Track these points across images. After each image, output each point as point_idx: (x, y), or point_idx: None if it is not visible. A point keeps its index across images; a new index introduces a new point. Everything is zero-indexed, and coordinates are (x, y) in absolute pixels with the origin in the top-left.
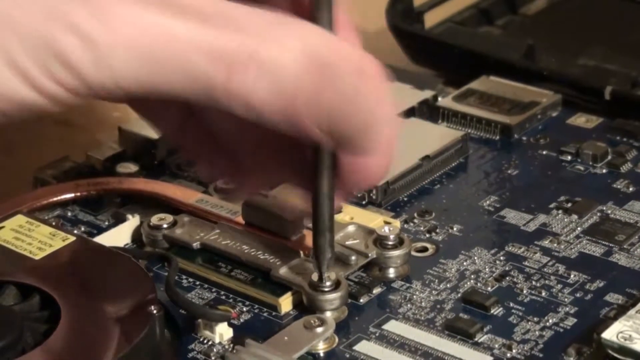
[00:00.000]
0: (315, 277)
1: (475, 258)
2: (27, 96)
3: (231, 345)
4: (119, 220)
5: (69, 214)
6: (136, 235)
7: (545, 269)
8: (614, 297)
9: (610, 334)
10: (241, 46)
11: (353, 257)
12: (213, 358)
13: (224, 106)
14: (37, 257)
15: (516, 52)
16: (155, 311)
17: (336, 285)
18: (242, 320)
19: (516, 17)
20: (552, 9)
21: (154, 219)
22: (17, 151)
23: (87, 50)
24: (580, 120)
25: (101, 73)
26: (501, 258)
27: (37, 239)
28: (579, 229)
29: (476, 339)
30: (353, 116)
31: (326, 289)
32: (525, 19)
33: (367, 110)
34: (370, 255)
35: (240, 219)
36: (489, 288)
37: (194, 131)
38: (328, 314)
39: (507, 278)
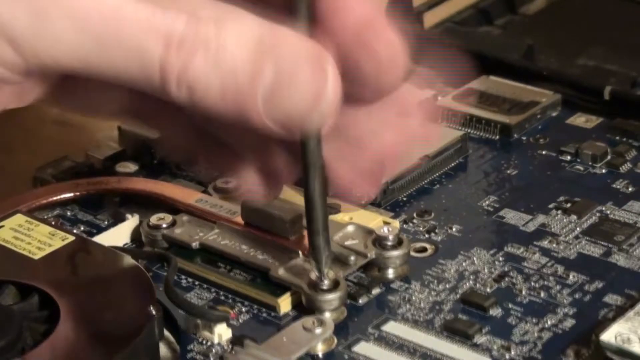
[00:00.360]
0: (313, 276)
1: (475, 258)
2: None
3: (230, 345)
4: (119, 219)
5: (69, 213)
6: (135, 235)
7: (544, 270)
8: (612, 299)
9: (608, 335)
10: (182, 24)
11: (352, 258)
12: (212, 358)
13: (159, 90)
14: (36, 257)
15: (516, 52)
16: (154, 311)
17: (335, 286)
18: (241, 320)
19: (516, 17)
20: (552, 9)
21: (153, 219)
22: (17, 151)
23: (31, 18)
24: (580, 120)
25: (40, 44)
26: (500, 258)
27: (36, 238)
28: (578, 229)
29: (475, 340)
30: (292, 98)
31: (325, 289)
32: (525, 19)
33: (307, 90)
34: (369, 255)
35: (239, 219)
36: (488, 289)
37: (190, 130)
38: (327, 314)
39: (506, 279)
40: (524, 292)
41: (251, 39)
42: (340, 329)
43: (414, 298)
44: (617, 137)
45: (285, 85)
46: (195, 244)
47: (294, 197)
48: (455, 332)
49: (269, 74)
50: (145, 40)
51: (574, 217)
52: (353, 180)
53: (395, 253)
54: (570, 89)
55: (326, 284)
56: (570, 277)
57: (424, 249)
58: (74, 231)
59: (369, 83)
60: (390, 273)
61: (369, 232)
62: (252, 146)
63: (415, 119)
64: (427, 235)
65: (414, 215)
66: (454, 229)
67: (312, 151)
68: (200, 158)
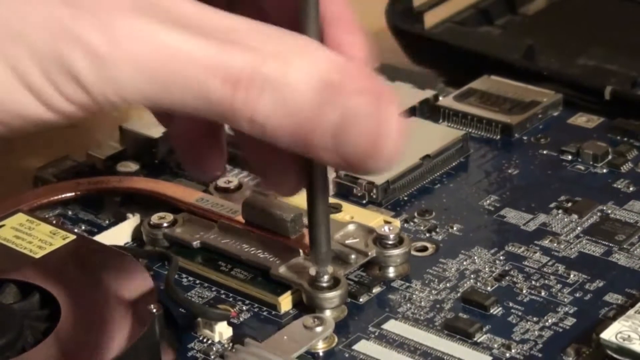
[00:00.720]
0: (313, 272)
1: (475, 258)
2: (35, 111)
3: (231, 344)
4: (120, 219)
5: (70, 212)
6: (136, 234)
7: (544, 269)
8: (613, 297)
9: (609, 334)
10: (246, 63)
11: (353, 256)
12: (212, 357)
13: (229, 122)
14: (37, 256)
15: (516, 52)
16: (154, 310)
17: (335, 284)
18: (241, 319)
19: (516, 17)
20: (552, 9)
21: (154, 218)
22: (18, 150)
23: (93, 64)
24: (581, 120)
25: (107, 87)
26: (501, 258)
27: (37, 237)
28: (579, 228)
29: (475, 339)
30: (358, 137)
31: (324, 284)
32: (525, 19)
33: (373, 131)
34: (370, 254)
35: (240, 218)
36: (489, 288)
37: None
38: (327, 313)
39: (507, 278)
40: (524, 291)
41: (317, 79)
42: (341, 328)
43: (414, 297)
44: (618, 137)
45: (351, 127)
46: (196, 243)
47: (293, 198)
48: (456, 330)
49: (334, 116)
50: (209, 80)
51: (574, 216)
52: None
53: (395, 252)
54: (571, 89)
55: (326, 280)
56: (571, 276)
57: (425, 248)
58: (75, 230)
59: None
60: (391, 272)
61: (370, 230)
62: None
63: None
64: (428, 235)
65: (415, 214)
66: (454, 228)
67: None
68: (204, 152)
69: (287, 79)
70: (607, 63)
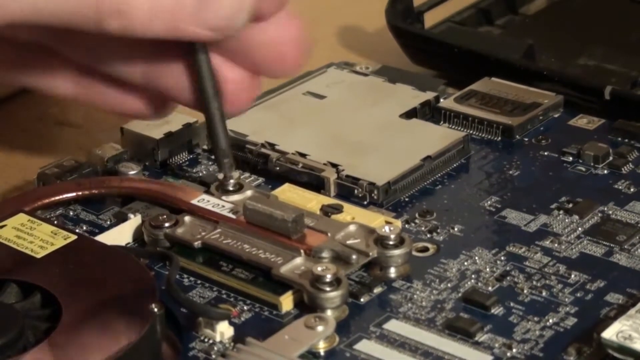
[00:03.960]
0: (220, 177)
1: (476, 258)
2: None
3: (232, 343)
4: (121, 219)
5: (71, 213)
6: (138, 235)
7: (546, 269)
8: (614, 297)
9: (610, 333)
10: None
11: (354, 256)
12: (214, 356)
13: (99, 25)
14: (38, 256)
15: (516, 52)
16: (156, 310)
17: (337, 284)
18: (243, 319)
19: (516, 17)
20: (552, 9)
21: (156, 218)
22: (19, 151)
23: None
24: (582, 121)
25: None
26: (502, 258)
27: (38, 237)
28: (579, 229)
29: (476, 339)
30: (222, 3)
31: (231, 189)
32: (525, 19)
33: None
34: (371, 254)
35: (241, 219)
36: (490, 288)
37: (72, 75)
38: (329, 312)
39: (508, 278)
40: (525, 291)
41: None
42: (342, 327)
43: (415, 297)
44: (619, 138)
45: None
46: (197, 243)
47: (294, 199)
48: (457, 330)
49: None
50: None
51: (575, 217)
52: (235, 88)
53: (396, 252)
54: (571, 89)
55: (232, 184)
56: (572, 276)
57: (426, 249)
58: (76, 230)
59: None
60: (392, 272)
61: (371, 231)
62: (142, 71)
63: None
64: (429, 235)
65: (416, 215)
66: (455, 229)
67: (204, 61)
68: (83, 100)
69: None
70: (607, 63)
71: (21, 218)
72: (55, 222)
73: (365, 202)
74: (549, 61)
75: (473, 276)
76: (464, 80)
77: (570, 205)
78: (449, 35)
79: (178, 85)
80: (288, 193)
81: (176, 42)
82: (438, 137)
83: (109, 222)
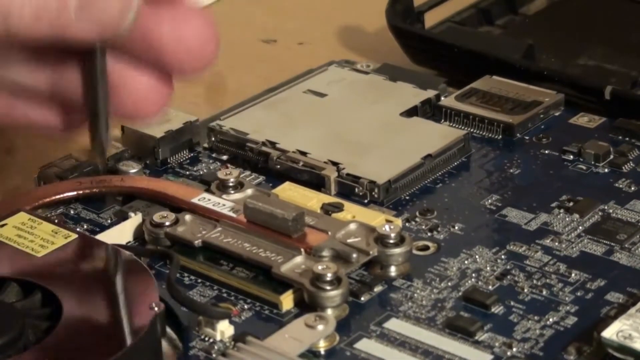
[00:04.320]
0: (100, 167)
1: (477, 257)
2: None
3: (232, 342)
4: (121, 218)
5: (72, 211)
6: (138, 233)
7: (546, 268)
8: (614, 296)
9: (610, 332)
10: None
11: (354, 255)
12: (214, 355)
13: None
14: (39, 255)
15: (516, 52)
16: (156, 308)
17: (337, 283)
18: (243, 317)
19: (516, 17)
20: (552, 9)
21: (156, 217)
22: (20, 150)
23: None
24: (583, 119)
25: None
26: (502, 257)
27: (39, 236)
28: (580, 228)
29: (477, 338)
30: (103, 4)
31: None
32: (525, 19)
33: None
34: (371, 253)
35: (241, 217)
36: (490, 286)
37: None
38: (329, 311)
39: (508, 277)
40: (526, 290)
41: None
42: (342, 326)
43: (416, 295)
44: (620, 137)
45: None
46: (197, 242)
47: (294, 197)
48: (457, 329)
49: None
50: None
51: (576, 215)
52: (144, 93)
53: (397, 251)
54: (571, 88)
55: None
56: (572, 275)
57: (427, 247)
58: (77, 229)
59: None
60: (393, 271)
61: (371, 230)
62: (45, 79)
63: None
64: (429, 234)
65: (417, 213)
66: (456, 228)
67: (98, 57)
68: (23, 124)
69: None
70: (607, 63)
71: (22, 217)
72: (56, 220)
73: (365, 201)
74: (549, 61)
75: (473, 275)
76: (464, 80)
77: (571, 203)
78: (449, 35)
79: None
80: (288, 191)
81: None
82: (439, 135)
83: (109, 221)
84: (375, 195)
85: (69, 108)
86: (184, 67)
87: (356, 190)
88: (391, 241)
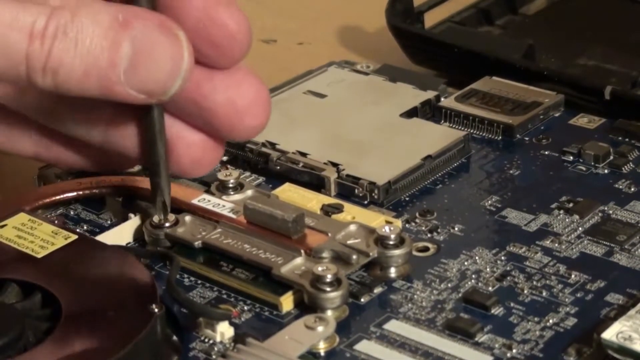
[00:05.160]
0: (156, 219)
1: (477, 258)
2: None
3: (232, 344)
4: (122, 219)
5: (72, 212)
6: (138, 234)
7: (546, 269)
8: (614, 298)
9: (610, 334)
10: (39, 15)
11: (354, 257)
12: (214, 357)
13: (28, 79)
14: (39, 256)
15: (516, 52)
16: (156, 310)
17: (337, 284)
18: (243, 319)
19: (516, 17)
20: (552, 9)
21: (156, 218)
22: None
23: None
24: (583, 120)
25: None
26: (502, 258)
27: (39, 237)
28: (580, 229)
29: (476, 339)
30: (154, 62)
31: (169, 225)
32: (525, 19)
33: (168, 59)
34: (371, 254)
35: (241, 218)
36: (490, 288)
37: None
38: (329, 313)
39: (508, 278)
40: (525, 291)
41: (105, 18)
42: (342, 327)
43: (415, 297)
44: (620, 138)
45: (144, 56)
46: (197, 243)
47: (294, 198)
48: (457, 330)
49: (126, 48)
50: (9, 36)
51: (576, 217)
52: (200, 153)
53: (397, 252)
54: (571, 88)
55: (168, 223)
56: (572, 276)
57: (426, 249)
58: (77, 230)
59: (221, 51)
60: (392, 272)
61: (371, 231)
62: (101, 132)
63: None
64: (429, 235)
65: (417, 214)
66: (456, 229)
67: (156, 117)
68: (43, 158)
69: (77, 24)
70: (607, 63)
71: (22, 218)
72: (56, 221)
73: (365, 202)
74: (549, 61)
75: (473, 276)
76: (464, 80)
77: (571, 204)
78: (449, 35)
79: (134, 146)
80: (288, 192)
81: (133, 105)
82: (438, 136)
83: (109, 222)
84: (375, 197)
85: (108, 156)
86: (235, 133)
87: (356, 191)
88: (391, 242)
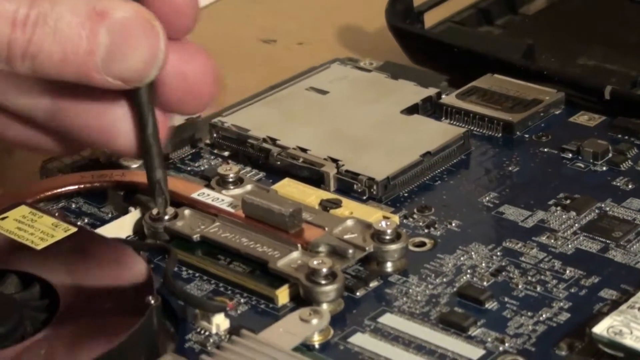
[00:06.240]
0: (155, 212)
1: (473, 253)
2: None
3: (227, 336)
4: (123, 212)
5: (73, 205)
6: (138, 228)
7: (541, 265)
8: (608, 293)
9: (600, 328)
10: (21, 5)
11: (350, 251)
12: (209, 348)
13: (10, 65)
14: (38, 247)
15: (516, 52)
16: (152, 301)
17: (332, 278)
18: (239, 311)
19: (516, 17)
20: (552, 9)
21: (155, 211)
22: (19, 151)
23: None
24: (583, 118)
25: None
26: (498, 253)
27: (39, 229)
28: (576, 225)
29: (469, 333)
30: (131, 51)
31: (167, 219)
32: (525, 19)
33: (145, 47)
34: (367, 249)
35: (240, 212)
36: (485, 283)
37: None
38: (324, 306)
39: (503, 273)
40: (520, 286)
41: (83, 8)
42: (337, 320)
43: (411, 291)
44: (619, 135)
45: (121, 45)
46: (196, 237)
47: (293, 193)
48: (451, 324)
49: (104, 37)
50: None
51: (573, 213)
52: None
53: (393, 247)
54: (571, 88)
55: (167, 217)
56: (567, 272)
57: (423, 244)
58: (78, 223)
59: (171, 24)
60: (389, 266)
61: (368, 226)
62: (48, 109)
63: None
64: (426, 230)
65: (415, 210)
66: (453, 224)
67: (144, 98)
68: (18, 144)
69: (56, 13)
70: (607, 63)
71: (23, 210)
72: (56, 214)
73: (364, 197)
74: (549, 61)
75: (469, 271)
76: (464, 80)
77: (568, 201)
78: (449, 35)
79: (81, 127)
80: (288, 187)
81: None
82: (438, 133)
83: (110, 215)
84: (374, 192)
85: (69, 137)
86: (186, 107)
87: (355, 186)
88: (387, 237)
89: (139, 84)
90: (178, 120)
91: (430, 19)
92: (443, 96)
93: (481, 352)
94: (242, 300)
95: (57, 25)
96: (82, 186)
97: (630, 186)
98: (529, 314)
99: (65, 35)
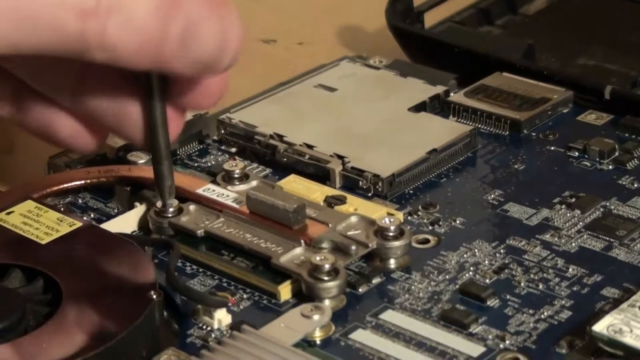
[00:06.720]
0: (159, 205)
1: (476, 250)
2: None
3: (229, 331)
4: (129, 207)
5: (80, 200)
6: (143, 223)
7: (544, 263)
8: (610, 292)
9: (600, 326)
10: None
11: (353, 247)
12: (211, 343)
13: (84, 55)
14: (43, 242)
15: (516, 52)
16: (154, 296)
17: (335, 274)
18: (241, 307)
19: (516, 17)
20: (552, 9)
21: (159, 204)
22: (20, 151)
23: None
24: (591, 117)
25: None
26: (501, 251)
27: (44, 224)
28: (580, 223)
29: (470, 330)
30: (204, 40)
31: (170, 215)
32: (525, 19)
33: (215, 31)
34: (370, 245)
35: (244, 208)
36: (487, 280)
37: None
38: (326, 302)
39: (506, 271)
40: (522, 284)
41: None
42: (339, 317)
43: (413, 288)
44: (626, 134)
45: (195, 32)
46: (200, 232)
47: (299, 190)
48: (452, 321)
49: (178, 24)
50: (60, 16)
51: (577, 211)
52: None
53: (396, 244)
54: (571, 88)
55: (171, 211)
56: (570, 270)
57: (427, 241)
58: (84, 218)
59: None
60: (392, 263)
61: (372, 222)
62: (82, 95)
63: None
64: (430, 227)
65: (419, 207)
66: (457, 222)
67: (154, 88)
68: (18, 121)
69: (129, 2)
70: (607, 63)
71: (29, 205)
72: (62, 209)
73: (369, 194)
74: (548, 61)
75: (471, 268)
76: (464, 80)
77: (573, 199)
78: (449, 35)
79: (106, 115)
80: (293, 184)
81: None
82: (445, 130)
83: (116, 210)
84: (379, 189)
85: (88, 119)
86: (198, 106)
87: (360, 183)
88: (391, 234)
89: (215, 70)
90: (186, 116)
91: (431, 19)
92: (451, 94)
93: (482, 349)
94: (244, 296)
95: (130, 14)
96: (88, 181)
97: (636, 185)
98: (531, 311)
99: (140, 23)
